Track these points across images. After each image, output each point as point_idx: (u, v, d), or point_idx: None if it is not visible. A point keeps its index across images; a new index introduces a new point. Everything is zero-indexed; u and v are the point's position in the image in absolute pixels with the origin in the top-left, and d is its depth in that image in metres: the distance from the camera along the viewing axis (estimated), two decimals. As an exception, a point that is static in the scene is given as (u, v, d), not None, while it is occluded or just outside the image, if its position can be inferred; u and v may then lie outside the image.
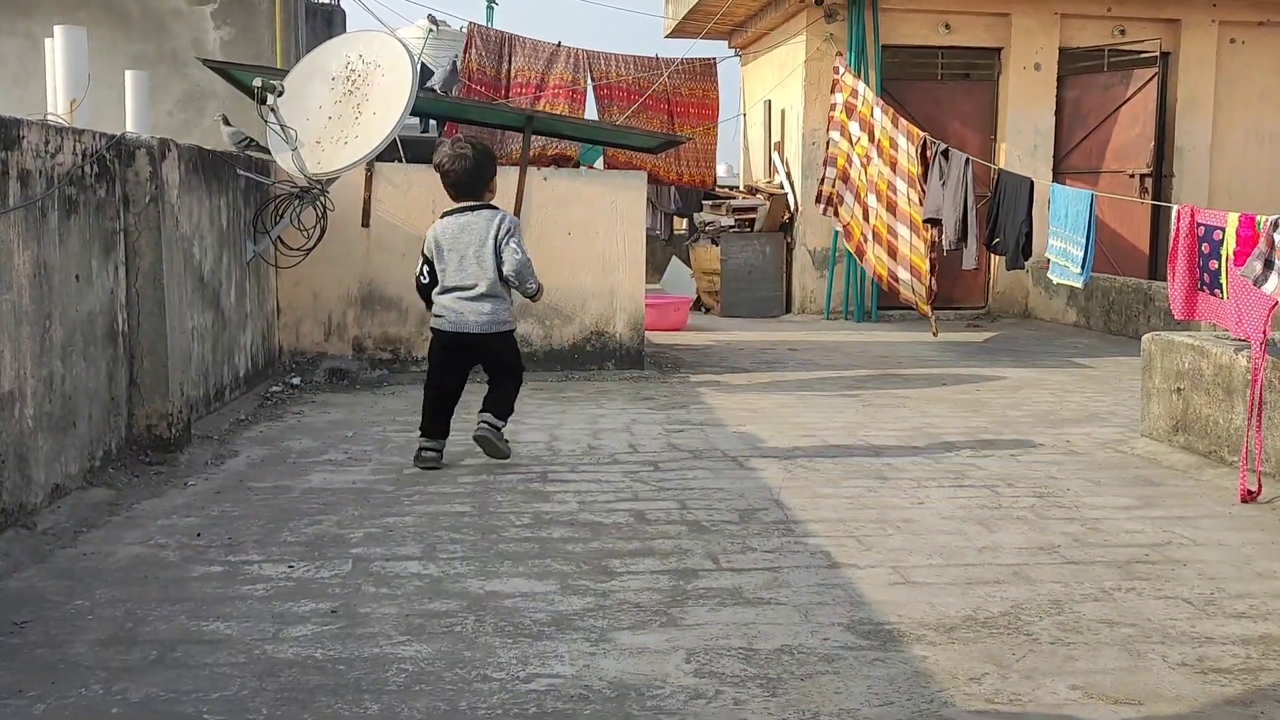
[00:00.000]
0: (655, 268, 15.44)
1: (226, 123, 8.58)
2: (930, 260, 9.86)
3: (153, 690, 3.09)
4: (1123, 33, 13.54)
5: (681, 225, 18.79)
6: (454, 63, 12.46)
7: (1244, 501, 5.17)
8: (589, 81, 12.66)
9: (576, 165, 11.62)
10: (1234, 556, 4.39)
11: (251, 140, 7.78)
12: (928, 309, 10.23)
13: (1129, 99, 13.22)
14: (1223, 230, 5.71)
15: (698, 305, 14.17)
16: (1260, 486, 5.22)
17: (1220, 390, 5.84)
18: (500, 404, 5.82)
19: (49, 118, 5.78)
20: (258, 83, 6.74)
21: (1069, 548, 4.48)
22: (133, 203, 5.55)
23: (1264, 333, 5.33)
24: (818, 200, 11.83)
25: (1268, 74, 13.96)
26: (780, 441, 6.43)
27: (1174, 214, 6.08)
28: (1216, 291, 5.81)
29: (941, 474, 5.71)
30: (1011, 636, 3.53)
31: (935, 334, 10.62)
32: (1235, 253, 5.63)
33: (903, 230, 10.20)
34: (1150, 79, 13.10)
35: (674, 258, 15.46)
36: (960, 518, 4.90)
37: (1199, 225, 5.91)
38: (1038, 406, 7.64)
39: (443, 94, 10.98)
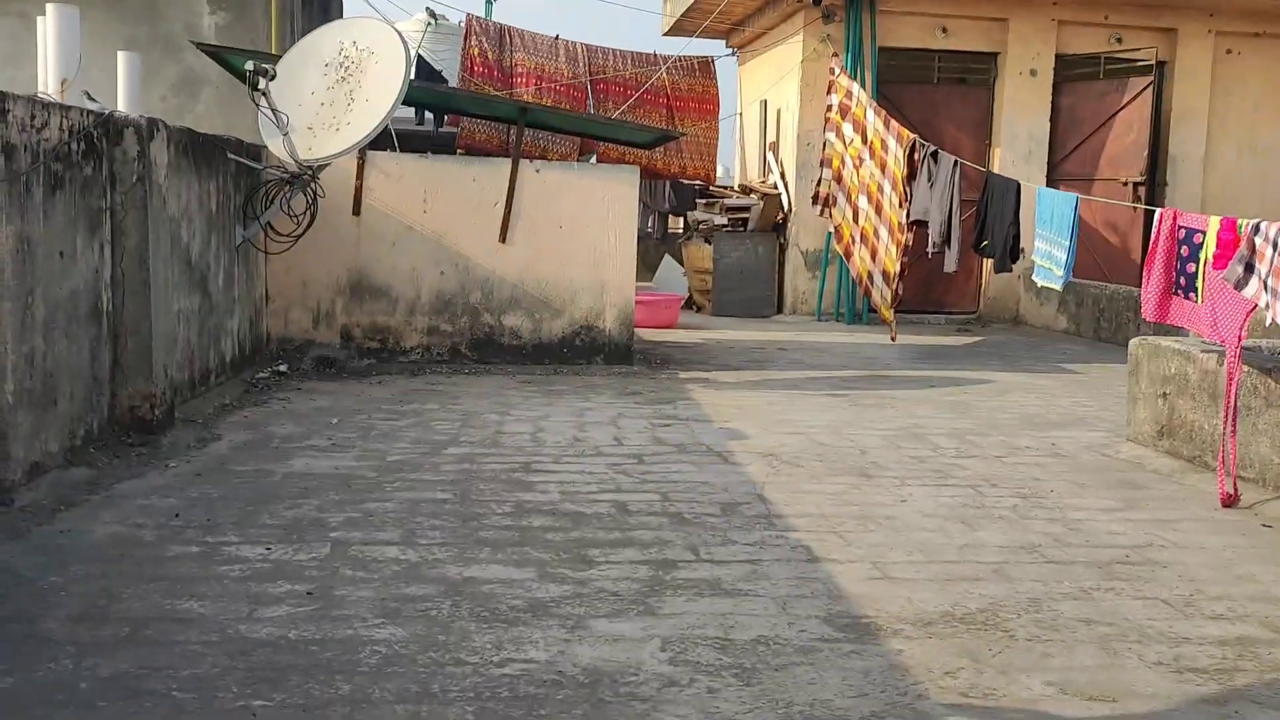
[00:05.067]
0: (648, 266, 15.44)
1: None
2: (900, 264, 9.81)
3: (123, 666, 3.07)
4: (1119, 41, 13.54)
5: (678, 224, 18.77)
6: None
7: (1225, 506, 5.17)
8: (588, 76, 12.64)
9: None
10: (1214, 560, 4.38)
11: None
12: (890, 314, 10.18)
13: (1124, 107, 13.22)
14: (1203, 234, 5.71)
15: (689, 304, 14.15)
16: (1237, 491, 5.22)
17: (1205, 396, 5.84)
18: None
19: (38, 95, 5.75)
20: (249, 66, 6.70)
21: (1050, 547, 4.47)
22: (119, 181, 5.52)
23: (1239, 337, 5.33)
24: (814, 201, 11.82)
25: (1263, 85, 13.97)
26: (766, 438, 6.41)
27: (1156, 216, 6.08)
28: (1191, 295, 5.82)
29: (925, 473, 5.71)
30: (989, 633, 3.52)
31: (894, 339, 10.59)
32: (1215, 256, 5.63)
33: (884, 233, 10.19)
34: (1145, 88, 13.10)
35: (666, 255, 15.45)
36: (942, 516, 4.89)
37: (1180, 228, 5.90)
38: (1024, 410, 7.64)
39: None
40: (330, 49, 7.38)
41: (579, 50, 12.64)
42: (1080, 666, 3.28)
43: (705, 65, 13.33)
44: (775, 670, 3.18)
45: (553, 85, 12.26)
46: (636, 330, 9.38)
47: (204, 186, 6.72)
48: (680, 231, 17.96)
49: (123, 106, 7.87)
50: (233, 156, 7.27)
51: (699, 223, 14.35)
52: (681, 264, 14.74)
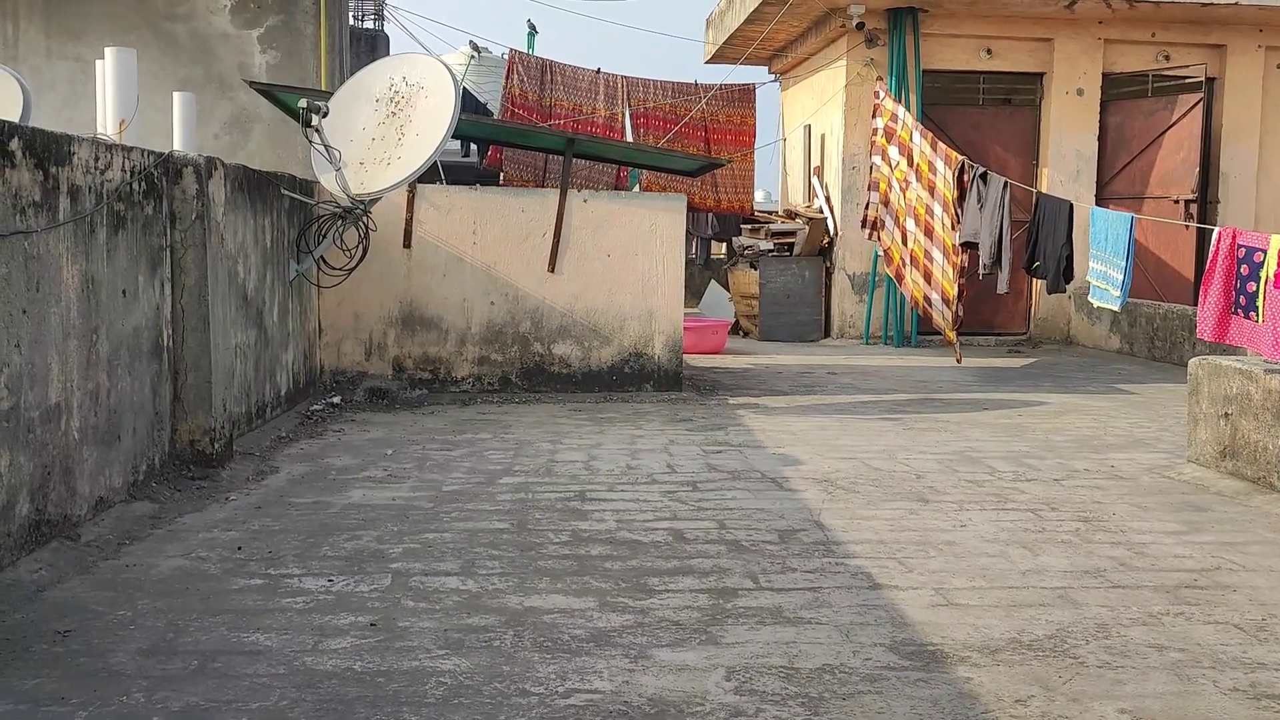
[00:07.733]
0: (693, 292, 15.46)
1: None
2: (959, 286, 9.81)
3: (193, 699, 3.09)
4: (1167, 58, 13.43)
5: (720, 250, 18.79)
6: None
7: (1294, 528, 5.08)
8: (626, 108, 12.73)
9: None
10: (1285, 583, 4.30)
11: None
12: (953, 335, 10.17)
13: (1173, 125, 13.09)
14: (1264, 252, 5.64)
15: (736, 329, 14.14)
16: (1311, 513, 5.13)
17: (1270, 415, 5.74)
18: None
19: (98, 136, 5.87)
20: (303, 104, 6.80)
21: (1115, 572, 4.40)
22: (179, 220, 5.62)
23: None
24: (863, 225, 11.80)
25: (1315, 100, 13.80)
26: (820, 464, 6.38)
27: (1214, 235, 6.01)
28: (1251, 315, 5.74)
29: (983, 497, 5.65)
30: (1058, 659, 3.47)
31: (959, 360, 10.57)
32: (1276, 275, 5.55)
33: (937, 255, 10.17)
34: (1195, 104, 12.97)
35: (712, 281, 15.47)
36: (1003, 541, 4.83)
37: (1240, 247, 5.84)
38: (1081, 432, 7.55)
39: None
40: (380, 85, 7.48)
41: (619, 84, 12.74)
42: (1154, 694, 3.22)
43: (745, 94, 13.38)
44: (843, 699, 3.15)
45: (591, 123, 12.36)
46: (684, 356, 9.38)
47: (259, 222, 6.82)
48: (723, 256, 17.97)
49: (179, 145, 8.01)
50: (286, 192, 7.38)
51: (744, 248, 14.36)
52: (727, 289, 14.74)
